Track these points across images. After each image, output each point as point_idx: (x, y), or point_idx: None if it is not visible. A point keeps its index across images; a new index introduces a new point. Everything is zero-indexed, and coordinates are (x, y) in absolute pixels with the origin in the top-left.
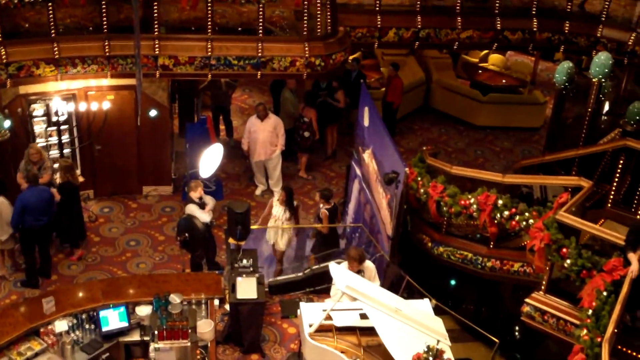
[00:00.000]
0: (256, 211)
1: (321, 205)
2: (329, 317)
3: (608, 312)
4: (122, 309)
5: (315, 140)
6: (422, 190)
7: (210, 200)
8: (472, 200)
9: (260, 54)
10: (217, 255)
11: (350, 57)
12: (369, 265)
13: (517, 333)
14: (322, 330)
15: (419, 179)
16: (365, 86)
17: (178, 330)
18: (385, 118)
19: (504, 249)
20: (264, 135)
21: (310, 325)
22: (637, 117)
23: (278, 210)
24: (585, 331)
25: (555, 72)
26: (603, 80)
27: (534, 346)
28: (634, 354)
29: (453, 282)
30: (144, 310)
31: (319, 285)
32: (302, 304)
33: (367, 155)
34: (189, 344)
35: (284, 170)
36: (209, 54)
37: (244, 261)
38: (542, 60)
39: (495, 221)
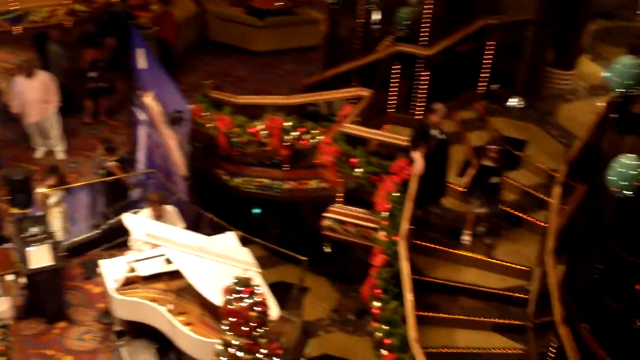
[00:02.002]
0: (41, 175)
1: (103, 157)
2: (133, 269)
3: (400, 211)
4: None
5: None
6: (209, 125)
7: None
8: (259, 127)
9: (16, 7)
10: (2, 229)
11: None
12: (168, 209)
13: (325, 248)
14: (129, 282)
15: (205, 113)
16: (135, 27)
17: None
18: (162, 57)
19: (299, 169)
20: (34, 94)
21: (116, 281)
22: (405, 22)
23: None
24: (383, 233)
25: None
26: None
27: (343, 257)
28: (429, 244)
29: (257, 211)
30: None
31: (119, 239)
32: (101, 261)
33: (149, 99)
34: None
35: (65, 125)
36: None
37: (33, 229)
38: None
39: (286, 143)
